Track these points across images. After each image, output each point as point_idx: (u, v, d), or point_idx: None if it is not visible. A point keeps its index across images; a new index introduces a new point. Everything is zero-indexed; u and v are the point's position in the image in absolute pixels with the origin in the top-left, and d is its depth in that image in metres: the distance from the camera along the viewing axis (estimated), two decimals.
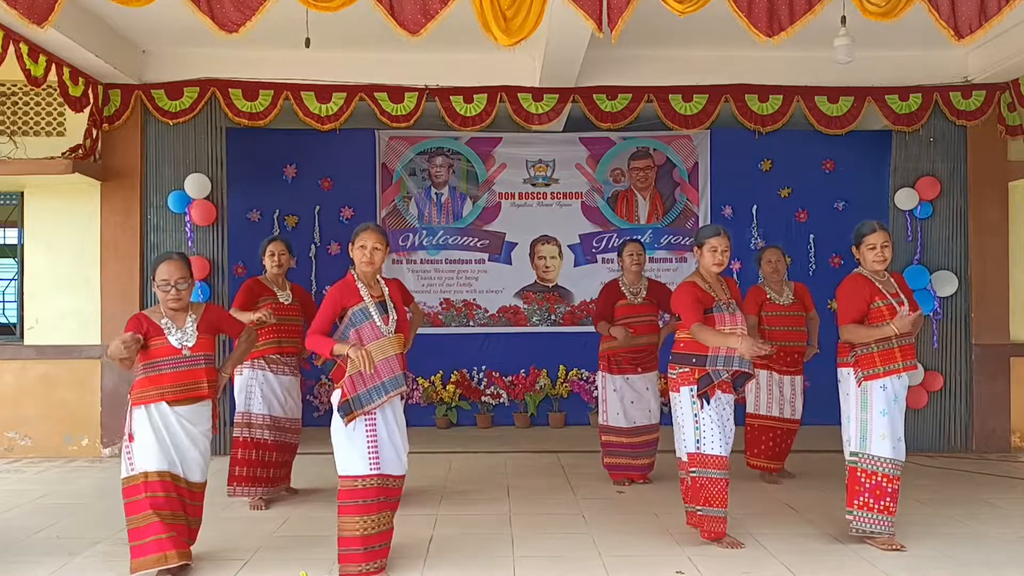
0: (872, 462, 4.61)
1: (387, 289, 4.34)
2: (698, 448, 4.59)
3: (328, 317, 4.19)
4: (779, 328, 6.15)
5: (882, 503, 4.58)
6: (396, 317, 4.25)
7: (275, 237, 5.90)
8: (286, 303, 5.67)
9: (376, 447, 4.09)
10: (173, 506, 4.13)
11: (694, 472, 4.61)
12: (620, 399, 6.05)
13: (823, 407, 7.63)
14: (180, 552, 4.09)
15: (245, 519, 5.29)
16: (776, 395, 6.23)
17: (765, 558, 4.46)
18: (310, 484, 6.04)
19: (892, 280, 4.77)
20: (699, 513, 4.62)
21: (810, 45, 6.15)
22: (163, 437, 4.14)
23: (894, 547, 4.57)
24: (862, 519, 4.61)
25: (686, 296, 4.65)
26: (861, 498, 4.61)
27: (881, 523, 4.59)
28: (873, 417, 4.60)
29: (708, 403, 4.58)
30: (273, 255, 5.71)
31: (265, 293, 5.65)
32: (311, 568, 4.22)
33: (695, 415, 4.60)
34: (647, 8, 4.71)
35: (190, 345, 4.19)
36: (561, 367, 8.70)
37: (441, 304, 8.75)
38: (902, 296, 4.69)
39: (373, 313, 4.16)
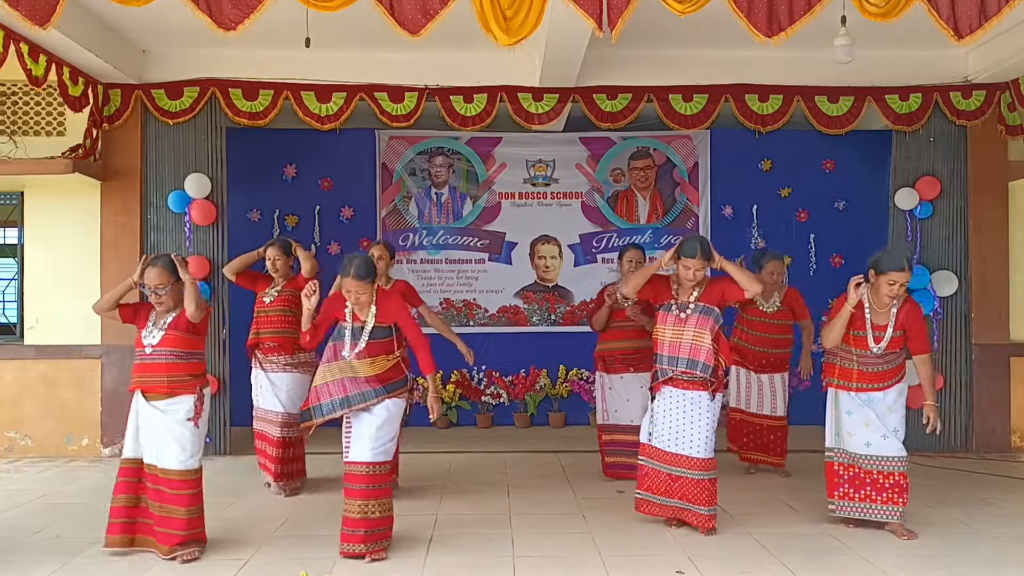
0: (848, 456, 4.86)
1: (375, 312, 4.42)
2: (649, 440, 4.92)
3: (324, 322, 4.54)
4: (758, 333, 6.26)
5: (863, 492, 4.81)
6: (363, 347, 4.39)
7: (273, 241, 6.06)
8: (267, 301, 5.91)
9: (349, 441, 4.43)
10: (142, 490, 4.42)
11: (641, 460, 4.94)
12: (616, 397, 6.11)
13: (818, 408, 7.63)
14: (116, 537, 4.44)
15: (245, 518, 5.28)
16: (755, 392, 6.32)
17: (765, 558, 4.46)
18: (310, 484, 6.04)
19: (893, 313, 4.73)
20: (638, 497, 4.96)
21: (810, 45, 6.15)
22: (144, 424, 4.41)
23: (905, 535, 4.73)
24: (843, 508, 4.87)
25: (651, 285, 4.98)
26: (840, 489, 4.88)
27: (868, 511, 4.79)
28: (841, 416, 4.87)
29: (653, 399, 4.88)
30: (270, 260, 5.95)
31: (261, 287, 5.98)
32: (311, 568, 4.22)
33: (651, 409, 4.92)
34: (647, 8, 4.71)
35: (154, 343, 4.42)
36: (561, 367, 8.70)
37: (441, 304, 8.75)
38: (886, 333, 4.71)
39: (345, 335, 4.43)
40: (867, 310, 4.76)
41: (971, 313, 7.56)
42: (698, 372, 4.73)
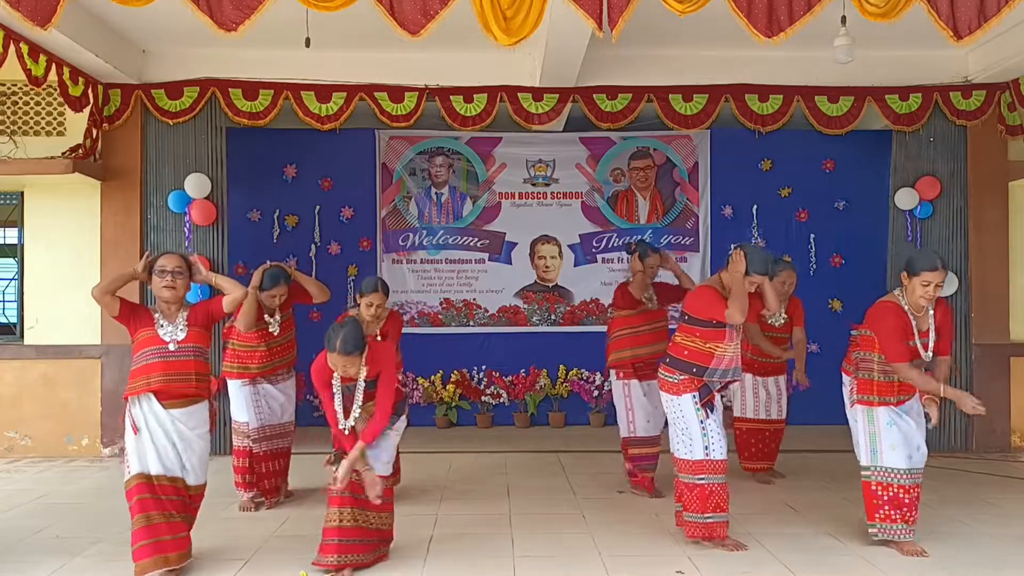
0: (886, 474, 4.55)
1: (365, 371, 4.20)
2: (707, 455, 4.56)
3: (328, 404, 4.28)
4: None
5: (900, 511, 4.53)
6: (362, 400, 4.21)
7: (277, 280, 5.48)
8: (275, 333, 5.56)
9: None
10: (174, 507, 4.16)
11: (703, 479, 4.56)
12: (647, 405, 5.78)
13: (818, 408, 7.68)
14: (180, 554, 4.16)
15: (245, 519, 5.29)
16: (763, 397, 6.23)
17: (765, 558, 4.46)
18: (309, 484, 6.04)
19: (931, 314, 4.54)
20: (709, 521, 4.56)
21: (810, 45, 6.15)
22: (159, 438, 4.16)
23: (918, 552, 4.49)
24: (886, 531, 4.56)
25: (708, 301, 4.57)
26: (882, 511, 4.56)
27: (903, 532, 4.55)
28: (880, 430, 4.55)
29: (712, 412, 4.59)
30: (274, 297, 5.51)
31: (259, 320, 5.53)
32: (311, 568, 4.22)
33: (702, 422, 4.57)
34: (647, 8, 4.71)
35: (179, 339, 4.23)
36: (561, 367, 8.69)
37: (441, 304, 8.75)
38: (931, 336, 4.51)
39: (335, 397, 4.23)
40: (912, 320, 4.50)
41: (971, 313, 7.56)
42: (737, 378, 4.75)
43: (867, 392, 4.60)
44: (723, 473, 4.58)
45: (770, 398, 6.22)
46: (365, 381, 4.22)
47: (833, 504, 5.48)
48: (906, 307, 4.50)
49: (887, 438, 4.53)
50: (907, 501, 4.53)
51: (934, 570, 4.29)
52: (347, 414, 4.22)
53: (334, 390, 4.24)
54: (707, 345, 4.57)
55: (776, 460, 6.33)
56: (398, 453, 5.54)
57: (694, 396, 4.57)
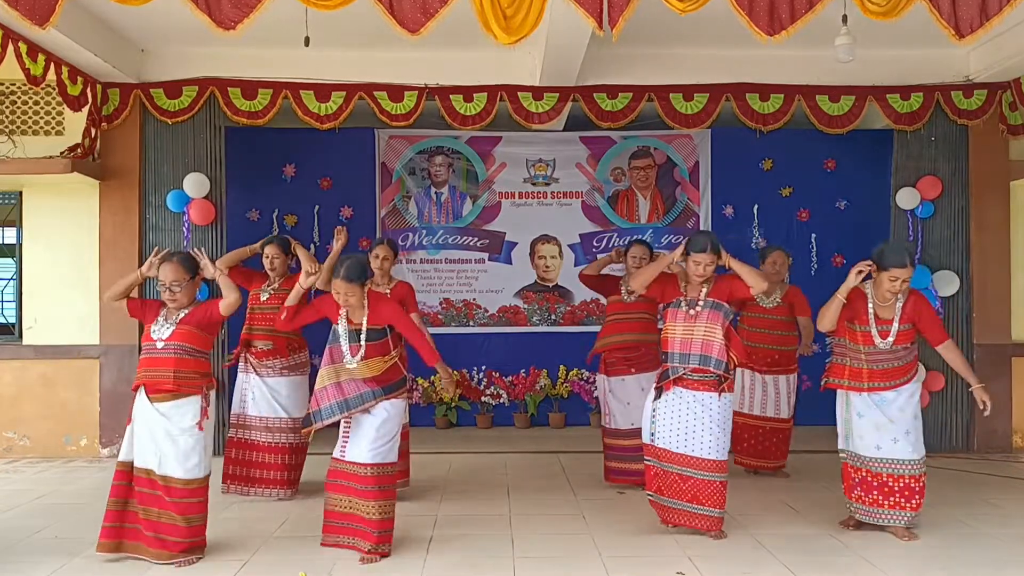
0: (855, 458, 4.85)
1: (367, 316, 4.44)
2: (652, 440, 4.81)
3: (307, 313, 4.66)
4: (757, 330, 6.21)
5: (870, 495, 4.77)
6: (364, 350, 4.43)
7: (272, 240, 5.89)
8: (264, 299, 5.77)
9: (347, 438, 4.48)
10: (139, 498, 4.30)
11: (648, 461, 4.85)
12: (614, 400, 5.91)
13: (822, 407, 7.62)
14: (136, 544, 4.31)
15: (245, 519, 5.27)
16: (759, 394, 6.22)
17: (765, 558, 4.45)
18: (310, 484, 6.02)
19: (898, 307, 4.66)
20: (650, 499, 4.87)
21: (811, 44, 6.14)
22: (141, 430, 4.32)
23: (906, 537, 4.72)
24: (859, 511, 4.85)
25: (658, 283, 4.94)
26: (856, 491, 4.85)
27: (876, 515, 4.77)
28: (852, 418, 4.82)
29: (659, 397, 4.79)
30: (268, 258, 5.79)
31: (255, 285, 5.83)
32: (311, 568, 4.21)
33: (653, 408, 4.82)
34: (648, 6, 4.70)
35: (164, 337, 4.34)
36: (561, 367, 8.67)
37: (441, 304, 8.74)
38: (893, 327, 4.64)
39: (342, 339, 4.46)
40: (870, 304, 4.69)
41: (972, 313, 7.54)
42: (711, 368, 4.63)
43: (839, 375, 4.85)
44: (669, 463, 4.74)
45: (766, 396, 6.21)
46: (368, 327, 4.43)
47: (833, 504, 5.46)
48: (869, 294, 4.72)
49: (856, 428, 4.80)
50: (876, 485, 4.76)
51: (934, 569, 4.28)
52: (354, 353, 4.43)
53: (340, 327, 4.45)
54: (664, 327, 4.89)
55: (786, 460, 6.33)
56: (408, 454, 5.60)
57: (648, 384, 4.96)
